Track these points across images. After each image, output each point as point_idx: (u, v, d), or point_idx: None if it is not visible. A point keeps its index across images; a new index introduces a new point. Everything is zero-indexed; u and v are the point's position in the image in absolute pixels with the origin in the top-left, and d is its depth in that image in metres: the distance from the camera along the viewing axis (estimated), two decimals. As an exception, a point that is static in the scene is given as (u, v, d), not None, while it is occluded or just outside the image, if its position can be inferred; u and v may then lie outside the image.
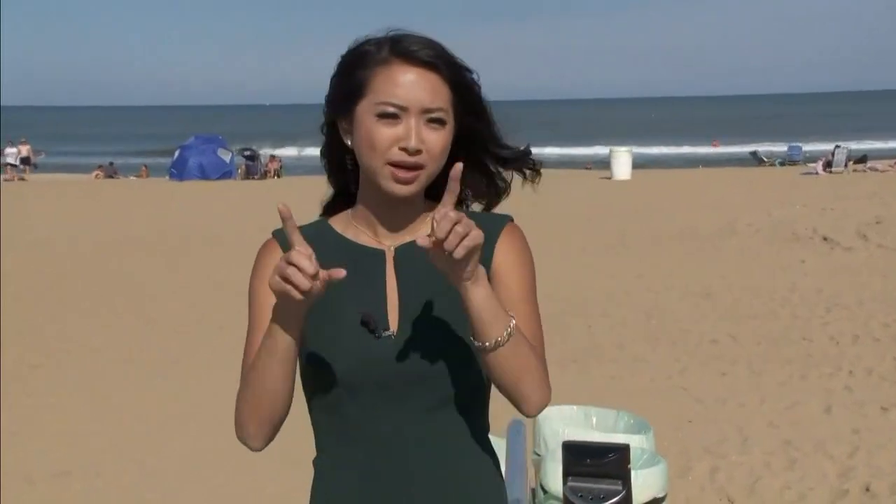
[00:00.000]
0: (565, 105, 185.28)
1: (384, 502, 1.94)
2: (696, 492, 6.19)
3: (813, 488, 6.17)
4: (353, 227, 2.02)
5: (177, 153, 38.43)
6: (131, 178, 41.72)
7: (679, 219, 19.10)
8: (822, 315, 10.75)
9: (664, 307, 11.50)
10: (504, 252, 1.99)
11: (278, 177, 38.54)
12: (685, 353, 9.44)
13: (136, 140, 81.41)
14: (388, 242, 2.00)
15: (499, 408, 2.26)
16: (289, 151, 53.28)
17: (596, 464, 3.95)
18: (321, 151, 2.09)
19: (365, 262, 1.97)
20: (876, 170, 29.54)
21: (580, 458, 4.00)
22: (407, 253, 1.97)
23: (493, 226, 1.99)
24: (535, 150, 2.20)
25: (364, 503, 1.94)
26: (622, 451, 4.02)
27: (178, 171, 36.99)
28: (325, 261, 1.75)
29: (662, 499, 4.72)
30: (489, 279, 1.87)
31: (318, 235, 1.97)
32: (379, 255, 1.99)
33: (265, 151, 44.70)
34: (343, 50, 1.99)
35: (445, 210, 1.72)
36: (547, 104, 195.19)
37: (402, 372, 1.91)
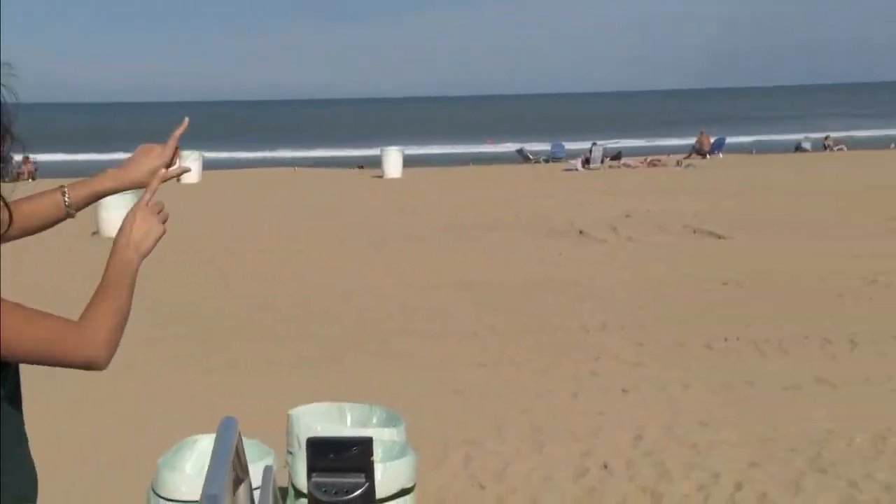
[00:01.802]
0: (338, 105, 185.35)
1: None
2: (449, 479, 6.41)
3: (558, 469, 6.53)
4: None
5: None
6: None
7: (445, 214, 19.58)
8: (576, 305, 11.34)
9: (427, 300, 11.79)
10: None
11: (32, 179, 36.59)
12: (445, 345, 9.72)
13: None
14: None
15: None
16: (50, 155, 50.63)
17: (339, 458, 4.05)
18: None
19: None
20: (629, 166, 31.35)
21: (323, 453, 4.09)
22: None
23: None
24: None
25: None
26: (365, 444, 4.14)
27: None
28: None
29: (411, 489, 4.88)
30: None
31: None
32: None
33: (20, 153, 42.15)
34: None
35: None
36: (323, 104, 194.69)
37: None
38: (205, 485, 1.77)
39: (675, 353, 9.21)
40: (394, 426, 5.22)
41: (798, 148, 39.24)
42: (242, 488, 2.65)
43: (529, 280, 12.82)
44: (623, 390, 8.17)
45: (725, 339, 9.54)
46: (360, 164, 39.61)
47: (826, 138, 41.02)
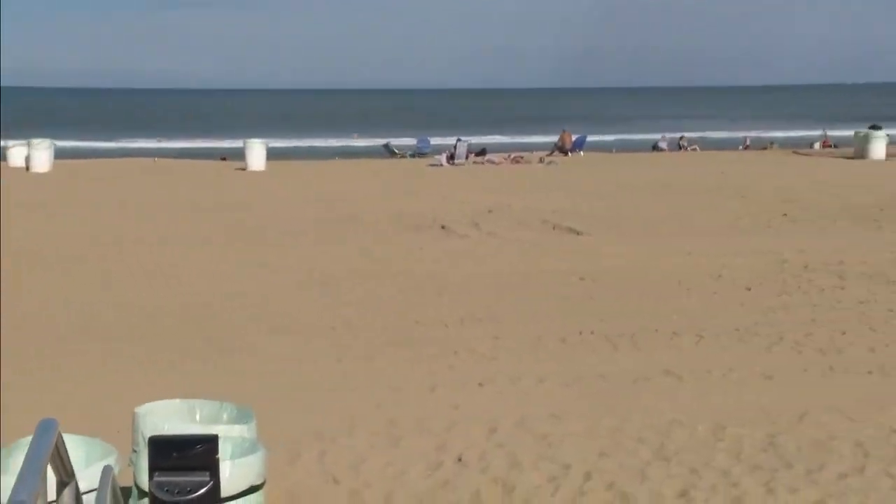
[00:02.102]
0: (202, 95, 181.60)
1: None
2: (303, 476, 6.36)
3: (412, 463, 6.56)
4: None
5: None
6: None
7: (308, 209, 19.42)
8: (435, 299, 11.41)
9: (286, 296, 11.67)
10: None
11: None
12: (303, 340, 9.65)
13: None
14: None
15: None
16: None
17: (182, 457, 3.98)
18: None
19: None
20: (493, 162, 31.72)
21: (166, 452, 4.01)
22: None
23: None
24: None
25: None
26: (210, 442, 4.07)
27: None
28: None
29: (260, 486, 4.83)
30: None
31: None
32: None
33: None
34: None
35: None
36: (187, 93, 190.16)
37: None
38: (13, 491, 1.69)
39: (530, 346, 9.37)
40: (244, 423, 5.15)
41: (655, 147, 40.49)
42: (67, 492, 2.57)
43: (390, 274, 12.83)
44: (479, 384, 8.27)
45: (580, 333, 9.76)
46: (224, 155, 38.87)
47: (681, 138, 42.47)
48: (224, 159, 36.75)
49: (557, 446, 6.82)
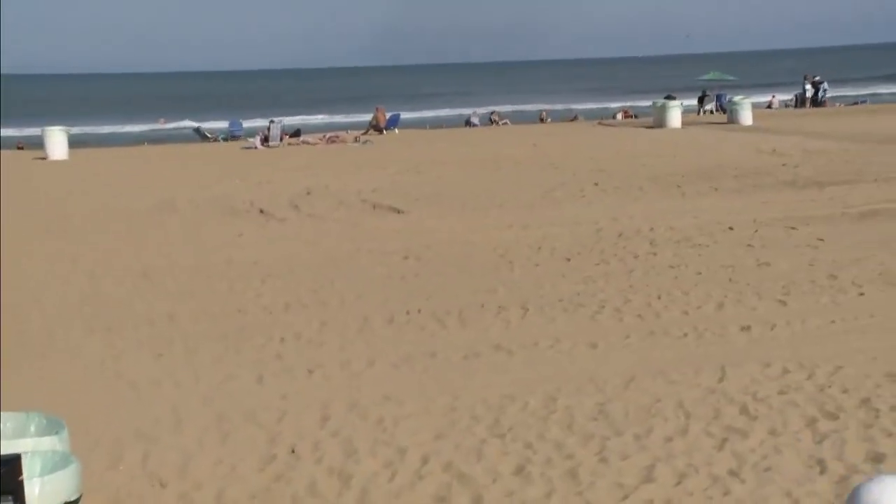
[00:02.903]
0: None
1: None
2: (128, 481, 5.99)
3: (243, 458, 6.28)
4: None
5: None
6: None
7: (118, 198, 18.55)
8: (257, 286, 11.05)
9: (101, 291, 11.06)
10: None
11: None
12: (121, 337, 9.14)
13: None
14: None
15: None
16: None
17: (-20, 481, 3.59)
18: None
19: None
20: (309, 143, 31.23)
21: (-40, 477, 3.61)
22: None
23: None
24: None
25: None
26: (12, 462, 3.70)
27: None
28: None
29: (77, 500, 4.46)
30: None
31: None
32: None
33: None
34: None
35: None
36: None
37: None
38: None
39: (358, 329, 9.20)
40: (55, 433, 4.77)
41: (468, 123, 40.92)
42: None
43: (209, 263, 12.37)
44: (308, 370, 8.04)
45: (407, 313, 9.66)
46: (20, 144, 36.70)
47: (492, 114, 43.11)
48: (21, 148, 34.72)
49: (392, 430, 6.70)
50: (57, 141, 28.24)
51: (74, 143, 30.66)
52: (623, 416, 6.76)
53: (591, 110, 50.93)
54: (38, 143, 29.54)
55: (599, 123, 36.65)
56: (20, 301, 10.64)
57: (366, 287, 10.78)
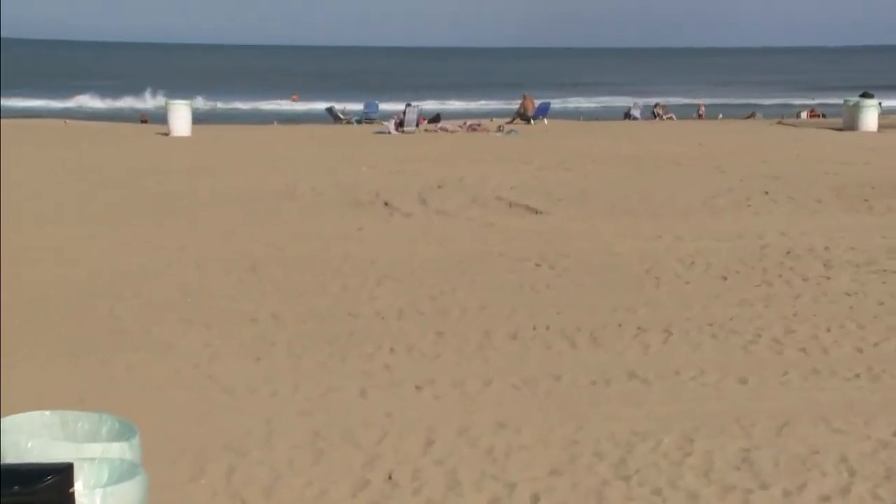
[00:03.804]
0: (117, 49, 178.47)
1: None
2: (208, 497, 6.04)
3: (336, 482, 6.27)
4: None
5: None
6: None
7: (238, 181, 18.99)
8: (372, 288, 11.09)
9: (205, 283, 11.31)
10: None
11: None
12: (219, 336, 9.30)
13: None
14: None
15: None
16: None
17: (26, 491, 3.63)
18: None
19: None
20: (447, 130, 31.37)
21: (8, 484, 3.66)
22: None
23: None
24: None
25: None
26: (63, 472, 3.73)
27: None
28: None
29: (141, 516, 4.49)
30: None
31: None
32: None
33: None
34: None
35: None
36: (94, 46, 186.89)
37: None
38: None
39: (477, 344, 9.11)
40: (125, 439, 4.82)
41: (627, 115, 40.34)
42: None
43: (323, 258, 12.49)
44: (417, 387, 7.99)
45: (534, 328, 9.52)
46: (144, 117, 38.13)
47: (656, 106, 42.38)
48: (144, 122, 36.06)
49: (503, 462, 6.58)
50: (180, 115, 29.12)
51: (201, 118, 31.64)
52: (772, 466, 6.46)
53: (770, 107, 49.58)
54: (163, 117, 30.57)
55: (779, 122, 35.56)
56: (121, 287, 10.97)
57: (491, 297, 10.68)
